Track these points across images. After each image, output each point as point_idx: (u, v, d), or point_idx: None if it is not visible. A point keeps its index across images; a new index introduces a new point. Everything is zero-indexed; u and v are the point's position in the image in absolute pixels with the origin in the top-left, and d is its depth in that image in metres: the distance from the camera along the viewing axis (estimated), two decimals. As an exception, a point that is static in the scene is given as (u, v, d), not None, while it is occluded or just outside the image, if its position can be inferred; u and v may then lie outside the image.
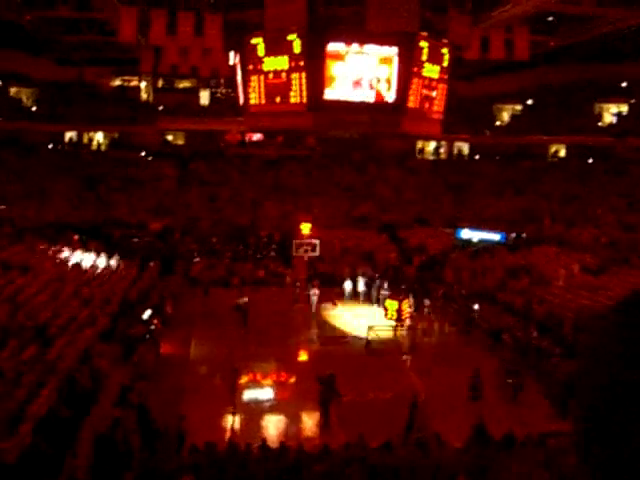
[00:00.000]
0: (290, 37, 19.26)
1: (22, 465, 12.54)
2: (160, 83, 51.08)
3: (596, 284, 28.17)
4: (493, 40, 25.54)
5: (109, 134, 49.33)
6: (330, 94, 19.53)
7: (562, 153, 50.22)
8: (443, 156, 52.10)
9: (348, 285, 32.86)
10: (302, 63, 19.25)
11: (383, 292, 30.28)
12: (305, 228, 32.98)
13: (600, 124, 49.07)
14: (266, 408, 19.31)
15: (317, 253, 32.41)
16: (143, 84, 50.81)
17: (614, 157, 45.98)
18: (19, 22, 29.74)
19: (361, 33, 19.87)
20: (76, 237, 35.09)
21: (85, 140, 49.13)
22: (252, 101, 20.57)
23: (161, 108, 48.85)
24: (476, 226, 38.84)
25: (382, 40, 19.77)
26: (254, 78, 20.30)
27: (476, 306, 27.99)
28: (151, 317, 24.85)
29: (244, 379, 20.68)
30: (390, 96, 19.97)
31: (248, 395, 19.95)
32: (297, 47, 19.21)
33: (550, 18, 28.68)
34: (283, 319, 28.34)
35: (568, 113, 47.17)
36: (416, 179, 46.83)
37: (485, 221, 39.48)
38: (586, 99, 48.06)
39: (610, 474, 0.95)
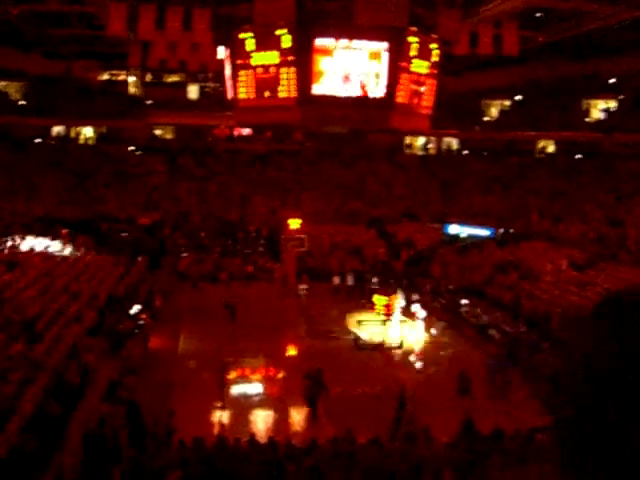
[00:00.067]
0: (279, 32, 19.27)
1: (10, 461, 12.49)
2: (149, 77, 50.68)
3: (584, 279, 28.31)
4: (482, 35, 25.56)
5: (98, 128, 49.07)
6: (318, 89, 19.54)
7: (550, 149, 50.36)
8: (432, 151, 52.12)
9: (337, 280, 32.88)
10: (291, 58, 19.26)
11: (372, 287, 30.32)
12: (293, 223, 32.92)
13: (588, 120, 49.18)
14: (255, 403, 19.32)
15: (305, 248, 32.42)
16: (132, 78, 50.44)
17: (602, 153, 46.13)
18: (6, 16, 29.52)
19: (350, 28, 19.89)
20: (65, 231, 34.95)
21: (72, 134, 48.85)
22: (241, 95, 20.58)
23: (150, 102, 48.52)
24: (464, 221, 38.97)
25: (371, 35, 19.79)
26: (243, 73, 20.30)
27: (464, 301, 28.09)
28: (140, 312, 24.82)
29: (233, 374, 20.70)
30: (379, 91, 20.00)
31: (237, 390, 19.98)
32: (286, 42, 19.21)
33: (539, 14, 28.78)
34: (272, 314, 28.28)
35: (556, 109, 47.26)
36: (405, 174, 46.88)
37: (474, 216, 39.59)
38: (574, 95, 48.13)
39: (585, 472, 0.97)
